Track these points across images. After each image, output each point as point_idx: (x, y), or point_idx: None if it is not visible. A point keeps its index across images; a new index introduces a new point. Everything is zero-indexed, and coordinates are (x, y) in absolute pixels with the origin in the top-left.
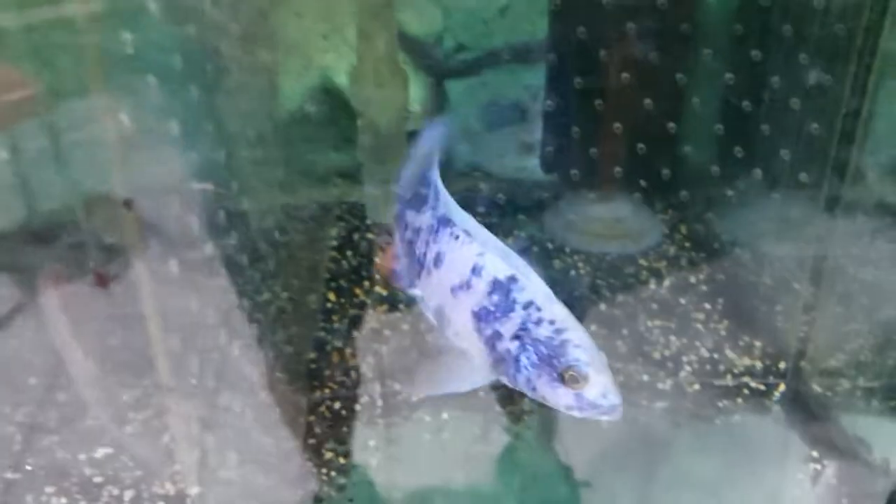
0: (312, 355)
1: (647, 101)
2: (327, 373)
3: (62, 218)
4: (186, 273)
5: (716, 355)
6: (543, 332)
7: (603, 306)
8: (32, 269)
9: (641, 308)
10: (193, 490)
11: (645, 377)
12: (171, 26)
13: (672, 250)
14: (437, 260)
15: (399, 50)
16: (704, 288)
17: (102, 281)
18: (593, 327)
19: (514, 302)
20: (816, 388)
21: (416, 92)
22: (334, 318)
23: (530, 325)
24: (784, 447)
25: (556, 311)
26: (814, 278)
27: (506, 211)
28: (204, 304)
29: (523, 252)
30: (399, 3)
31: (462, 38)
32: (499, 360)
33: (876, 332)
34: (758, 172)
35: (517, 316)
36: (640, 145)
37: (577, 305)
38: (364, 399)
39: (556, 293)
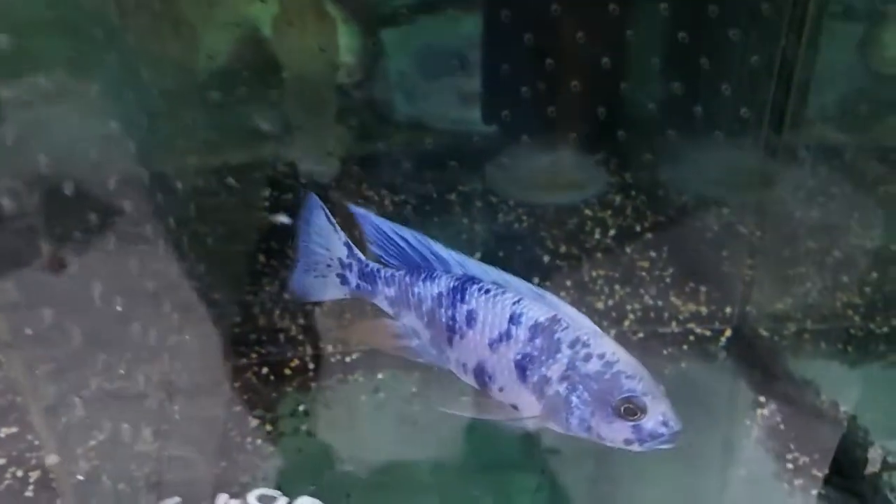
0: (238, 320)
1: (589, 47)
2: (253, 337)
3: None
4: (115, 240)
5: (660, 303)
6: (593, 367)
7: (546, 258)
8: None
9: (586, 258)
10: (107, 465)
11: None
12: None
13: (617, 199)
14: (470, 319)
15: None
16: (649, 236)
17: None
18: (536, 280)
19: (560, 342)
20: (763, 332)
21: (349, 41)
22: (264, 280)
23: (578, 363)
24: (731, 393)
25: (604, 344)
26: (759, 222)
27: (446, 165)
28: (125, 270)
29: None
30: None
31: None
32: (550, 408)
33: (824, 275)
34: (700, 117)
35: (563, 356)
36: (582, 92)
37: (520, 259)
38: (295, 363)
39: (498, 248)
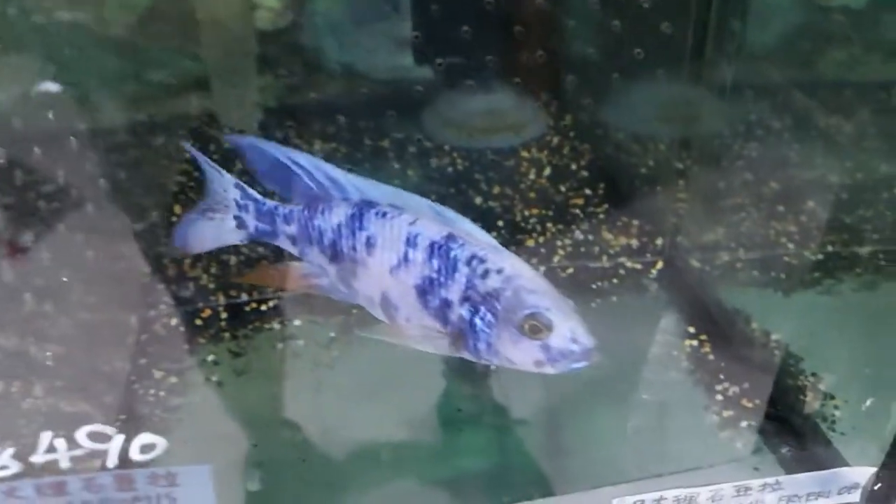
0: (146, 270)
1: None
2: (160, 287)
3: None
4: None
5: (591, 237)
6: (492, 283)
7: (479, 200)
8: None
9: (519, 199)
10: None
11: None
12: None
13: (555, 140)
14: (369, 246)
15: None
16: (585, 174)
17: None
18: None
19: (456, 260)
20: (695, 263)
21: None
22: None
23: (476, 281)
24: (661, 325)
25: (503, 258)
26: (694, 156)
27: (380, 112)
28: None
29: None
30: None
31: None
32: (455, 334)
33: (760, 205)
34: (638, 56)
35: (461, 275)
36: (520, 30)
37: (453, 202)
38: (206, 313)
39: (430, 192)
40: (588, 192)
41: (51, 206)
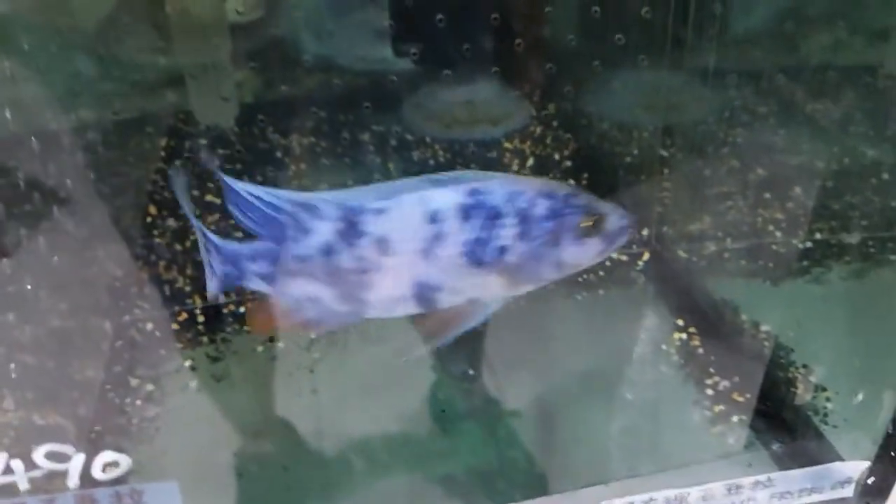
0: (120, 274)
1: None
2: (135, 291)
3: None
4: None
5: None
6: (537, 209)
7: None
8: None
9: None
10: None
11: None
12: None
13: (538, 130)
14: (381, 246)
15: None
16: (569, 164)
17: None
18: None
19: (492, 207)
20: (682, 253)
21: None
22: (154, 232)
23: (522, 215)
24: (649, 319)
25: (529, 183)
26: (679, 143)
27: (359, 105)
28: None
29: None
30: None
31: None
32: (515, 273)
33: (746, 193)
34: (619, 40)
35: (505, 217)
36: (497, 18)
37: None
38: (183, 317)
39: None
40: (572, 182)
41: (16, 209)
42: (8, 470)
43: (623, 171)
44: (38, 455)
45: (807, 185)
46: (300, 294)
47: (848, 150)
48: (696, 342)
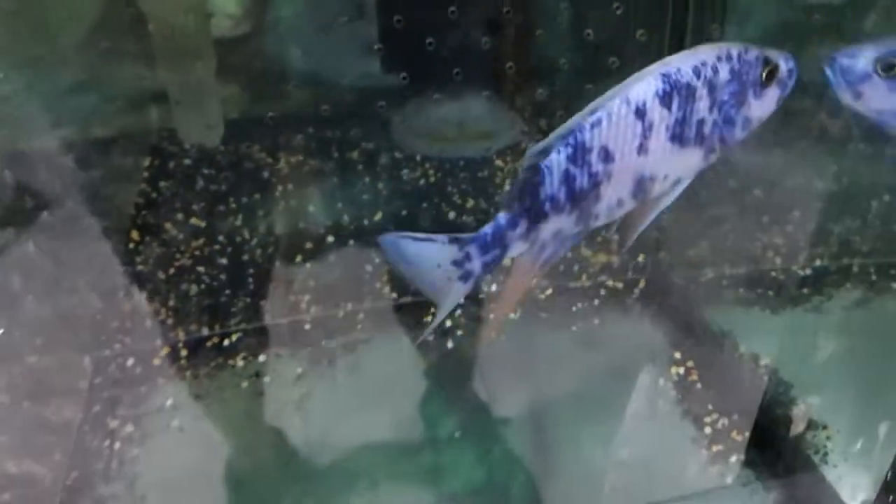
0: (99, 306)
1: None
2: (116, 324)
3: None
4: None
5: (569, 254)
6: (721, 74)
7: (452, 214)
8: None
9: (494, 212)
10: None
11: (494, 287)
12: None
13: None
14: (606, 158)
15: None
16: None
17: None
18: (444, 236)
19: (686, 85)
20: (678, 280)
21: None
22: (137, 259)
23: (711, 85)
24: (645, 352)
25: (705, 52)
26: None
27: (347, 122)
28: None
29: None
30: None
31: None
32: (712, 144)
33: (744, 217)
34: (613, 63)
35: (699, 92)
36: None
37: (426, 216)
38: (166, 351)
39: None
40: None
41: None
42: None
43: None
44: None
45: (807, 207)
46: (548, 236)
47: (848, 169)
48: (694, 377)
